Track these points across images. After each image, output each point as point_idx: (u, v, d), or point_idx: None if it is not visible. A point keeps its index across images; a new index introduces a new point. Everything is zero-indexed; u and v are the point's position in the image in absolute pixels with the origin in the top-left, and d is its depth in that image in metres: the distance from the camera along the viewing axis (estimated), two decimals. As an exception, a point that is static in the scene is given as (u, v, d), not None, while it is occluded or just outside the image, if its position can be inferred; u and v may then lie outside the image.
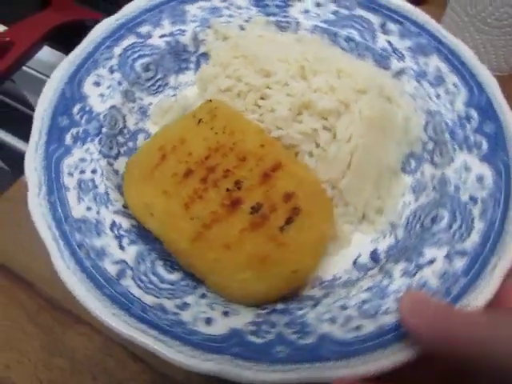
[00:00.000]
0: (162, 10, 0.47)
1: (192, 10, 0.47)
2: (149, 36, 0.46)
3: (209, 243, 0.33)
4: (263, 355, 0.29)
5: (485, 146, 0.39)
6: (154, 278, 0.33)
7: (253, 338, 0.30)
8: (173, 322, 0.31)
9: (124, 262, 0.33)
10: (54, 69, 0.65)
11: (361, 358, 0.29)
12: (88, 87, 0.42)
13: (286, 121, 0.38)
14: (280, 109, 0.38)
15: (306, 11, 0.47)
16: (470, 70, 0.43)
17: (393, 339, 0.30)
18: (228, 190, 0.34)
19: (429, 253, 0.34)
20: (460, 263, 0.33)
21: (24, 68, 0.63)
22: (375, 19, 0.46)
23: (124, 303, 0.31)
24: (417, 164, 0.41)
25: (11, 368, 0.38)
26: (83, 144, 0.39)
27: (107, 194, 0.37)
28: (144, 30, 0.46)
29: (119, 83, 0.44)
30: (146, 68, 0.45)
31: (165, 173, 0.36)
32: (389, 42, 0.45)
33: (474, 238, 0.34)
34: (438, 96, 0.42)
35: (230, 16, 0.47)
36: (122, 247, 0.34)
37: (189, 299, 0.32)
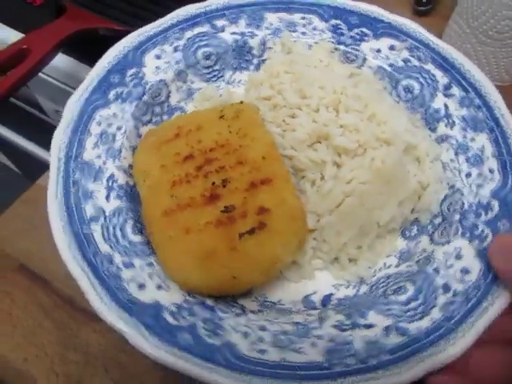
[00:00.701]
0: (243, 10, 0.50)
1: (271, 18, 0.50)
2: (222, 29, 0.49)
3: (174, 221, 0.36)
4: (168, 335, 0.31)
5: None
6: (118, 233, 0.37)
7: (168, 317, 0.33)
8: (111, 274, 0.34)
9: (102, 209, 0.37)
10: (67, 75, 0.68)
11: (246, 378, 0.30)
12: (149, 57, 0.47)
13: (302, 144, 0.40)
14: (300, 131, 0.40)
15: (378, 51, 0.48)
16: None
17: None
18: (213, 183, 0.37)
19: (372, 318, 0.34)
20: (394, 340, 0.32)
21: (38, 74, 0.65)
22: (442, 78, 0.45)
23: (82, 243, 0.35)
24: (418, 233, 0.41)
25: (29, 361, 0.40)
26: (122, 102, 0.44)
27: (120, 150, 0.41)
28: (220, 23, 0.50)
29: (177, 62, 0.48)
30: (207, 57, 0.49)
31: (170, 150, 0.40)
32: (445, 105, 0.44)
33: (423, 324, 0.33)
34: (468, 175, 0.40)
35: (303, 34, 0.49)
36: (107, 197, 0.38)
37: (136, 261, 0.35)
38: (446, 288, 0.34)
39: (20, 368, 0.40)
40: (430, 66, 0.45)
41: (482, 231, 0.36)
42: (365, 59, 0.48)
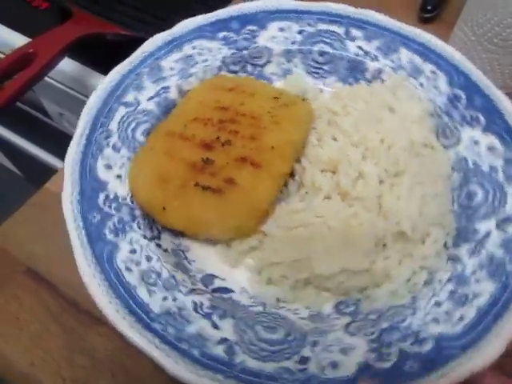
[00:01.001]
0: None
1: (403, 54, 0.48)
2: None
3: (166, 141, 0.42)
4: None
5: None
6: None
7: None
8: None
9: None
10: (73, 80, 0.68)
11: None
12: (102, 173, 0.41)
13: (318, 163, 0.42)
14: (325, 151, 0.42)
15: (476, 143, 0.43)
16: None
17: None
18: (218, 137, 0.41)
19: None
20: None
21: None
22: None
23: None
24: None
25: (36, 365, 0.40)
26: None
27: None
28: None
29: (293, 43, 0.49)
30: (322, 54, 0.49)
31: (218, 95, 0.44)
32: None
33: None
34: (421, 85, 0.45)
35: (421, 85, 0.47)
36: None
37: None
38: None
39: (27, 372, 0.40)
40: (510, 190, 0.39)
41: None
42: (458, 142, 0.43)
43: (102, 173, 0.40)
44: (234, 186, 0.38)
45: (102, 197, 0.38)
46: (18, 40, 0.70)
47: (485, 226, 0.37)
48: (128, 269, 0.35)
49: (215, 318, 0.34)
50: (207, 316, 0.34)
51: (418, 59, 0.47)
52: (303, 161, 0.42)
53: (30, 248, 0.47)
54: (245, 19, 0.50)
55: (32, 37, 0.59)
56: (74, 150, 0.41)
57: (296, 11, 0.51)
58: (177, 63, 0.48)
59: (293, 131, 0.41)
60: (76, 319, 0.42)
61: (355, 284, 0.38)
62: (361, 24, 0.50)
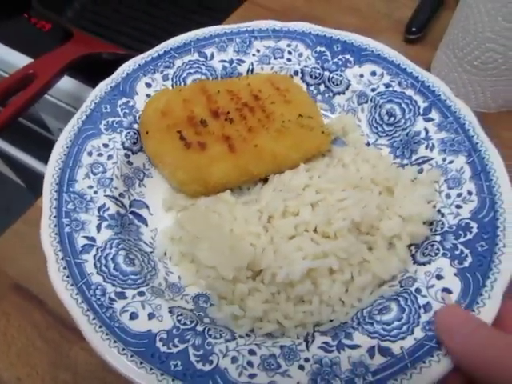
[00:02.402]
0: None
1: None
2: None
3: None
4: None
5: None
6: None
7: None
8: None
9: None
10: (72, 97, 0.71)
11: None
12: (140, 86, 0.49)
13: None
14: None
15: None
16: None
17: None
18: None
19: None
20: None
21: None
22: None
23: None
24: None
25: (22, 380, 0.42)
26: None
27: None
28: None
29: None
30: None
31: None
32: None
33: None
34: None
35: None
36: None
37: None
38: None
39: (13, 386, 0.41)
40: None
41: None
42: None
43: (140, 86, 0.48)
44: (204, 149, 0.43)
45: (124, 100, 0.47)
46: (22, 60, 0.72)
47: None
48: (89, 153, 0.43)
49: (104, 224, 0.40)
50: (101, 218, 0.40)
51: (468, 173, 0.42)
52: (275, 183, 0.44)
53: (21, 264, 0.48)
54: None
55: (35, 57, 0.61)
56: (136, 60, 0.50)
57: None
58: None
59: (293, 151, 0.44)
60: (61, 335, 0.44)
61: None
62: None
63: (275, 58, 0.52)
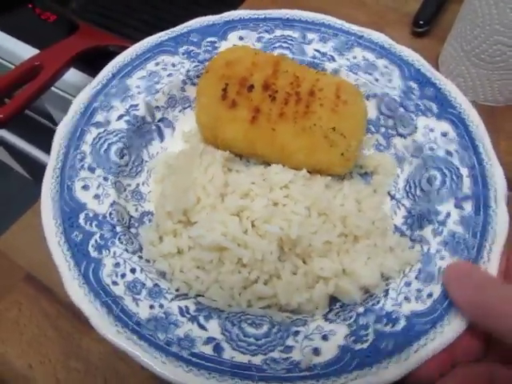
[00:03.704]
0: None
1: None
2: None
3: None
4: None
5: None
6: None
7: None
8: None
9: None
10: (78, 89, 0.71)
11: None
12: (80, 193, 0.42)
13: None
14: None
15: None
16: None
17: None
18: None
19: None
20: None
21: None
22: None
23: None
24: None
25: (33, 368, 0.42)
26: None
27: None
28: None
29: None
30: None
31: None
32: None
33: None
34: (376, 80, 0.48)
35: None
36: (120, 117, 0.46)
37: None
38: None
39: (25, 374, 0.42)
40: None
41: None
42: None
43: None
44: (233, 108, 0.43)
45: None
46: (27, 51, 0.72)
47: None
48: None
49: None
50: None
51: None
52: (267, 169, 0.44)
53: (31, 255, 0.49)
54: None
55: (40, 48, 0.62)
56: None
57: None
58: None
59: (302, 154, 0.43)
60: (72, 325, 0.44)
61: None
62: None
63: (365, 73, 0.49)
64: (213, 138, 0.45)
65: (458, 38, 0.55)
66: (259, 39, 0.52)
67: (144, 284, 0.37)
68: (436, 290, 0.36)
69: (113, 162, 0.44)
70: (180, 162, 0.45)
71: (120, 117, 0.46)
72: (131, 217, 0.43)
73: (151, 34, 0.75)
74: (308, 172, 0.43)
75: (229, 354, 0.34)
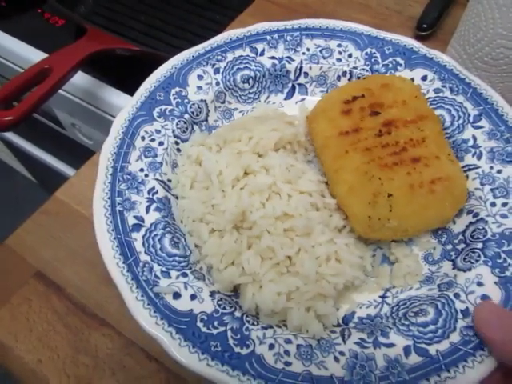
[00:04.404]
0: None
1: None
2: (261, 53, 0.53)
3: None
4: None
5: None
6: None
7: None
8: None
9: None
10: (85, 92, 0.72)
11: None
12: (192, 77, 0.51)
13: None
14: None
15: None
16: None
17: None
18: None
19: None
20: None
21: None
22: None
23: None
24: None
25: (43, 363, 0.43)
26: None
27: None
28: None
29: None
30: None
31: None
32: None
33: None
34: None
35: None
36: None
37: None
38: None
39: (34, 368, 0.43)
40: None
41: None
42: None
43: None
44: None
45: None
46: (35, 55, 0.73)
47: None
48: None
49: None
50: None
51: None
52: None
53: (40, 253, 0.50)
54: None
55: (49, 52, 0.62)
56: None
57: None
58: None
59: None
60: (81, 320, 0.45)
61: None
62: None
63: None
64: None
65: (461, 41, 0.56)
66: (217, 70, 0.52)
67: (156, 155, 0.45)
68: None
69: (234, 79, 0.51)
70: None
71: (273, 57, 0.51)
72: (206, 120, 0.50)
73: (159, 38, 0.77)
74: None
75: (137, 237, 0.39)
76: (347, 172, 0.42)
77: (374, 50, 0.51)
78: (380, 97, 0.45)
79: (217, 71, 0.51)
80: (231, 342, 0.35)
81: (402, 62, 0.50)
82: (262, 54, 0.52)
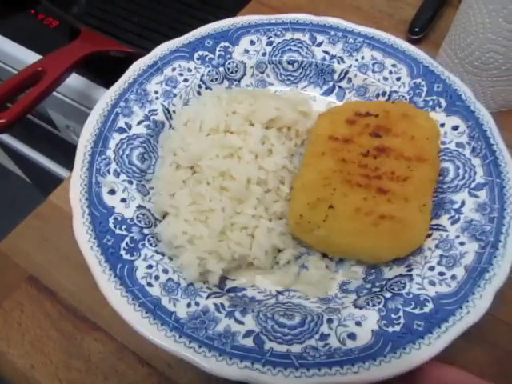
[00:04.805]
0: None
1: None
2: (319, 44, 0.53)
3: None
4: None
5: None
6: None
7: (111, 220, 0.41)
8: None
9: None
10: (79, 94, 0.72)
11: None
12: (245, 40, 0.53)
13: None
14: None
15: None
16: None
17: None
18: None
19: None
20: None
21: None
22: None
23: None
24: (353, 290, 0.42)
25: (36, 368, 0.43)
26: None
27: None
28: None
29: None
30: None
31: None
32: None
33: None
34: (385, 79, 0.50)
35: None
36: (139, 123, 0.48)
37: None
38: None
39: (27, 374, 0.43)
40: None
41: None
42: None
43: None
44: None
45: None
46: (29, 57, 0.73)
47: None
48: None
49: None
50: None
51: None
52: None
53: (33, 257, 0.50)
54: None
55: (43, 53, 0.62)
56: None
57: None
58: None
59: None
60: (74, 325, 0.45)
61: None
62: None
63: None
64: None
65: (452, 45, 0.57)
66: (269, 43, 0.54)
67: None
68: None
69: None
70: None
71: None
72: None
73: (151, 39, 0.77)
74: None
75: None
76: (311, 170, 0.43)
77: (423, 83, 0.49)
78: (393, 123, 0.44)
79: (269, 44, 0.54)
80: (124, 245, 0.40)
81: (443, 104, 0.48)
82: (320, 45, 0.53)
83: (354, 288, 0.42)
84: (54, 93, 0.74)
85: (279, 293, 0.42)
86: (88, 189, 0.43)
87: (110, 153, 0.45)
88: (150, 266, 0.39)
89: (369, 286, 0.42)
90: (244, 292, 0.42)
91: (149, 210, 0.44)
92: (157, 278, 0.39)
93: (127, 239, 0.41)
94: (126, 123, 0.48)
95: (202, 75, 0.52)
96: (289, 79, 0.55)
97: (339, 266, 0.44)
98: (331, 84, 0.54)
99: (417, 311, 0.37)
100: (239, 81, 0.54)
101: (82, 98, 0.73)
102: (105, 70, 0.71)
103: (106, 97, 0.49)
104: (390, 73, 0.51)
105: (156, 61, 0.52)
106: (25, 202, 0.54)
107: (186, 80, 0.52)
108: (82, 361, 0.43)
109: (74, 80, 0.71)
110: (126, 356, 0.43)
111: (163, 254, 0.41)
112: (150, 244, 0.41)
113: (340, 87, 0.54)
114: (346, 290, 0.42)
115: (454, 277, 0.38)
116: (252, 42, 0.54)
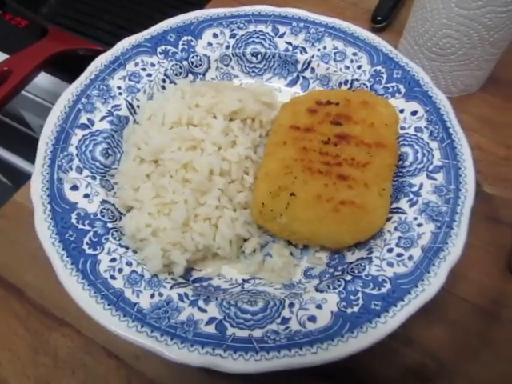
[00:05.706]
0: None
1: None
2: (281, 36, 0.53)
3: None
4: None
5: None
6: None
7: (73, 216, 0.42)
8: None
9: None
10: (50, 93, 0.71)
11: None
12: (207, 33, 0.54)
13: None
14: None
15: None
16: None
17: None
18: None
19: (415, 181, 0.43)
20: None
21: (23, 92, 0.69)
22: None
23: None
24: (317, 275, 0.43)
25: (3, 365, 0.43)
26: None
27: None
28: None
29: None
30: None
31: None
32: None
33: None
34: (347, 67, 0.51)
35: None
36: (102, 118, 0.48)
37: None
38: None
39: (-6, 372, 0.43)
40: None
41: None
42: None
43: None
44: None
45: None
46: (-2, 57, 0.72)
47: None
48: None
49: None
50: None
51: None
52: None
53: (1, 257, 0.49)
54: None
55: (11, 53, 0.62)
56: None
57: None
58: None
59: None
60: (41, 322, 0.45)
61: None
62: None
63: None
64: None
65: (412, 33, 0.57)
66: (233, 36, 0.54)
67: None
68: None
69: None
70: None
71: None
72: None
73: (122, 37, 0.76)
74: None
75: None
76: (273, 159, 0.43)
77: (383, 70, 0.50)
78: (353, 111, 0.45)
79: (233, 36, 0.54)
80: (87, 239, 0.40)
81: (403, 90, 0.49)
82: (282, 36, 0.54)
83: (317, 273, 0.43)
84: (26, 93, 0.74)
85: (245, 281, 0.43)
86: (50, 185, 0.43)
87: (72, 149, 0.46)
88: (113, 260, 0.40)
89: (331, 270, 0.43)
90: (210, 282, 0.43)
91: (113, 205, 0.44)
92: (120, 270, 0.39)
93: (90, 234, 0.41)
94: (88, 119, 0.48)
95: (166, 69, 0.52)
96: (253, 71, 0.55)
97: (304, 252, 0.45)
98: (295, 75, 0.55)
99: (375, 292, 0.38)
100: (204, 74, 0.54)
101: (53, 97, 0.73)
102: (75, 69, 0.71)
103: (67, 93, 0.49)
104: (352, 61, 0.52)
105: (118, 56, 0.52)
106: (1, 203, 0.54)
107: (149, 75, 0.52)
108: (50, 356, 0.43)
109: (45, 79, 0.71)
110: (93, 350, 0.43)
111: (127, 248, 0.41)
112: (114, 238, 0.41)
113: (304, 77, 0.55)
114: (309, 276, 0.43)
115: (410, 257, 0.39)
116: (215, 35, 0.54)
